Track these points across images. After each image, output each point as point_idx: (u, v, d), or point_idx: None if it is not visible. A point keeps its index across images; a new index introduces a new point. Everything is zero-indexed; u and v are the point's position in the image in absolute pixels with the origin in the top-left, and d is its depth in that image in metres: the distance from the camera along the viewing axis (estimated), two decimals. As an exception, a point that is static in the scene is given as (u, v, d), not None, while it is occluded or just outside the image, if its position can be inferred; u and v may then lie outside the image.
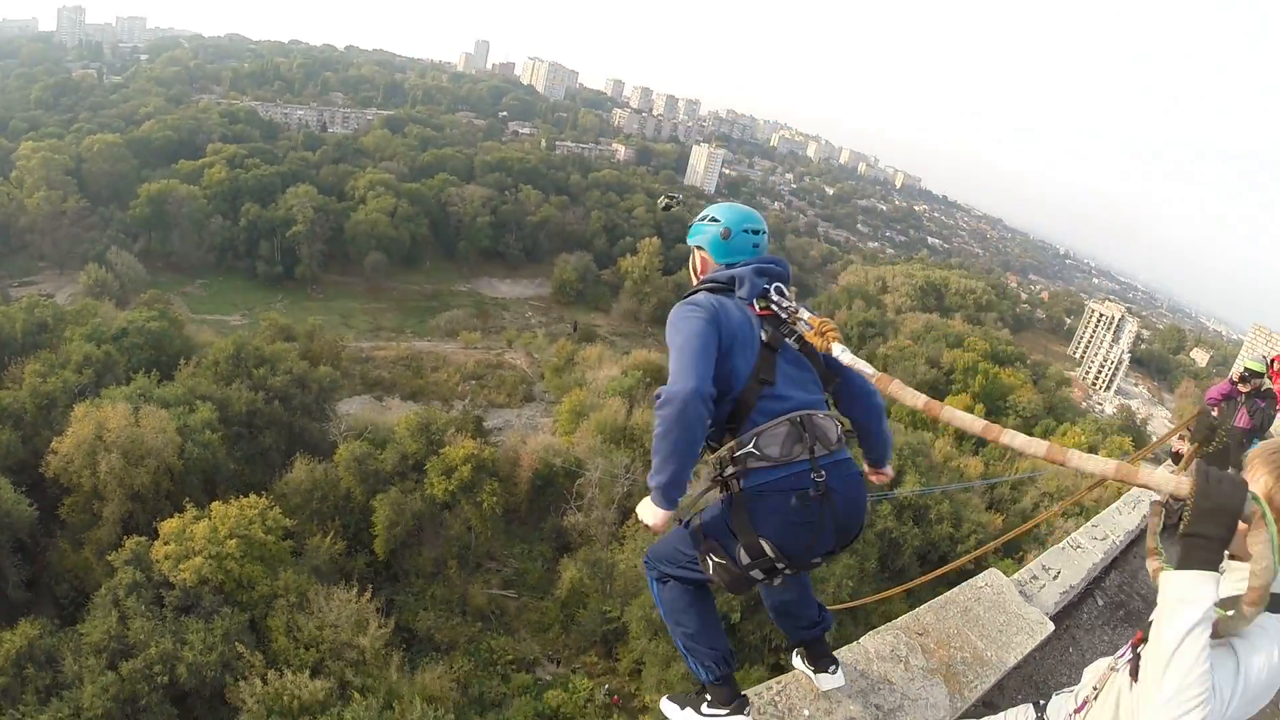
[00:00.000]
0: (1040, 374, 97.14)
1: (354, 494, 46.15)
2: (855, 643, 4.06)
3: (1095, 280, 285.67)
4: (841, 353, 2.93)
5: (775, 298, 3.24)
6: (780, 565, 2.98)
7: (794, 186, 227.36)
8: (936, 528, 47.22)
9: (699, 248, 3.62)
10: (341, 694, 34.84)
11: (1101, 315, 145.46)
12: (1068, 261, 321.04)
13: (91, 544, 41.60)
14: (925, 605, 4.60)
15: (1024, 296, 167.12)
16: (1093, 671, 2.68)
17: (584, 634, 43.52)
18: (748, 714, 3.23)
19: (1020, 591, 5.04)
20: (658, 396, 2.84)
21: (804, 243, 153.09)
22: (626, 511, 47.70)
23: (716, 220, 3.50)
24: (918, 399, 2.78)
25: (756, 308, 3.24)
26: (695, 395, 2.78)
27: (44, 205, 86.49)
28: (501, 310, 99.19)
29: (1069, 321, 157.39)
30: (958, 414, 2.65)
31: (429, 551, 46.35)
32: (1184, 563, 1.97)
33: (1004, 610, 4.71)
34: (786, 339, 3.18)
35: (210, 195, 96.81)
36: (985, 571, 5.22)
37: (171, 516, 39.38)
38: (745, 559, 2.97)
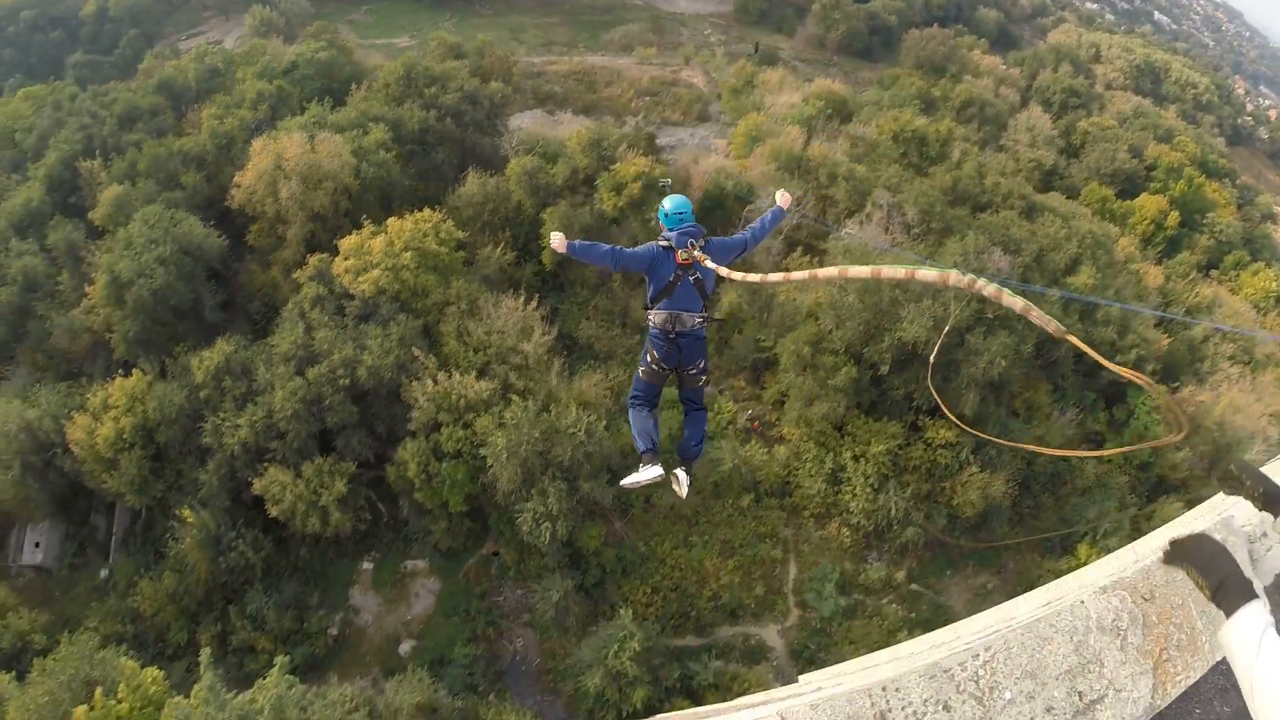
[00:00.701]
0: (1247, 200, 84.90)
1: (524, 206, 46.86)
2: (1079, 602, 3.60)
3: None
4: (708, 262, 6.74)
5: (691, 244, 6.82)
6: (664, 362, 7.01)
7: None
8: (1101, 329, 43.34)
9: (659, 219, 7.20)
10: (504, 395, 37.22)
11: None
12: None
13: (278, 264, 44.79)
14: (1157, 558, 3.85)
15: (1249, 108, 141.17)
16: None
17: (735, 358, 44.16)
18: (657, 463, 6.88)
19: (1249, 553, 4.05)
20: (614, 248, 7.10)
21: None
22: (793, 243, 46.75)
23: (663, 206, 7.21)
24: (744, 277, 6.71)
25: (680, 258, 6.78)
26: (616, 255, 7.07)
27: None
28: (679, 26, 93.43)
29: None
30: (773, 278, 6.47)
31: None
32: (1227, 611, 2.35)
33: (1229, 582, 3.83)
34: (689, 278, 6.83)
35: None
36: (1223, 519, 4.11)
37: (350, 234, 41.57)
38: (649, 360, 7.05)
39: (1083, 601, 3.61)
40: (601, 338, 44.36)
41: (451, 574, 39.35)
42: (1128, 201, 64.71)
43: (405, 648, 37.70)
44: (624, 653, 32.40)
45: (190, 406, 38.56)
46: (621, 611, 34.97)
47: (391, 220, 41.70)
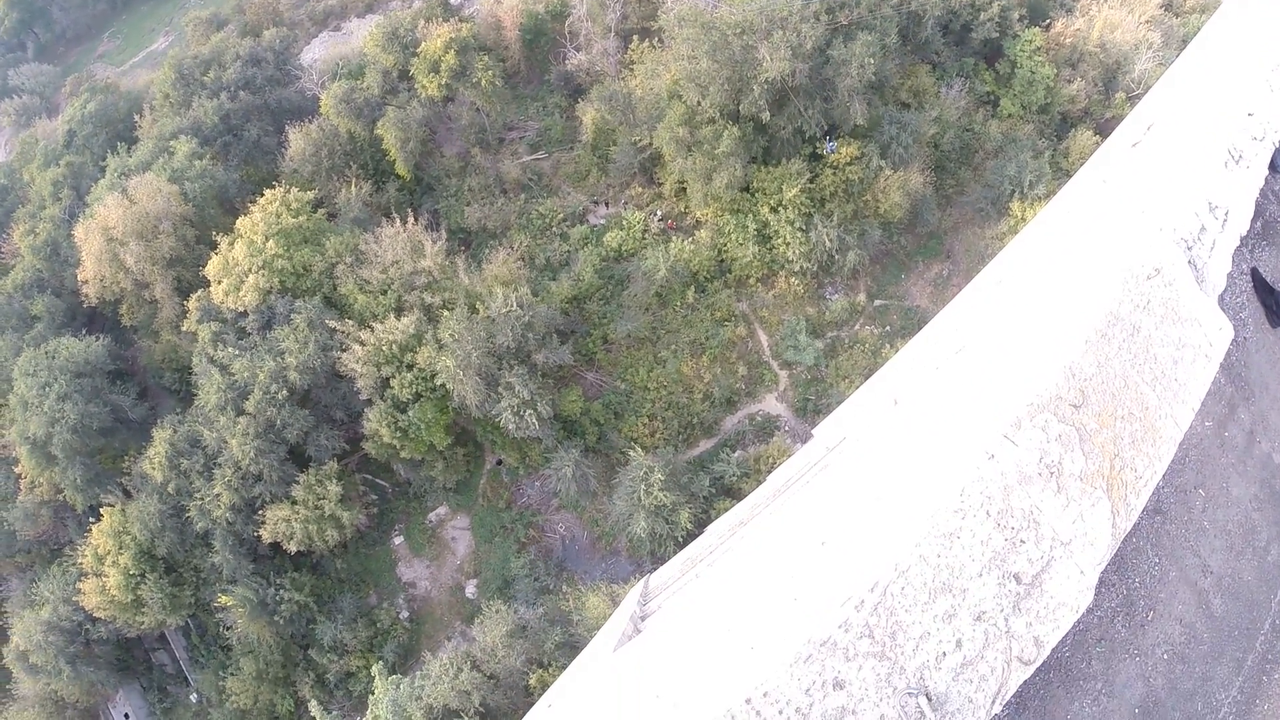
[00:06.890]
0: None
1: (355, 133, 44.70)
2: (990, 458, 2.80)
3: None
4: None
5: None
6: None
7: None
8: None
9: None
10: (428, 318, 36.46)
11: None
12: None
13: (164, 326, 43.54)
14: (1084, 339, 3.20)
15: None
16: None
17: (622, 170, 42.88)
18: None
19: (1190, 265, 3.62)
20: None
21: None
22: (626, 37, 44.80)
23: None
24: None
25: None
26: None
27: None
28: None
29: None
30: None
31: (449, 150, 45.66)
32: None
33: (1178, 317, 3.44)
34: None
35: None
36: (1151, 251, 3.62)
37: (210, 259, 40.09)
38: None
39: (993, 455, 2.93)
40: (490, 214, 43.01)
41: (471, 504, 39.78)
42: None
43: (470, 589, 38.58)
44: (652, 488, 32.96)
45: (168, 507, 38.38)
46: (632, 453, 35.41)
47: (240, 220, 40.06)
